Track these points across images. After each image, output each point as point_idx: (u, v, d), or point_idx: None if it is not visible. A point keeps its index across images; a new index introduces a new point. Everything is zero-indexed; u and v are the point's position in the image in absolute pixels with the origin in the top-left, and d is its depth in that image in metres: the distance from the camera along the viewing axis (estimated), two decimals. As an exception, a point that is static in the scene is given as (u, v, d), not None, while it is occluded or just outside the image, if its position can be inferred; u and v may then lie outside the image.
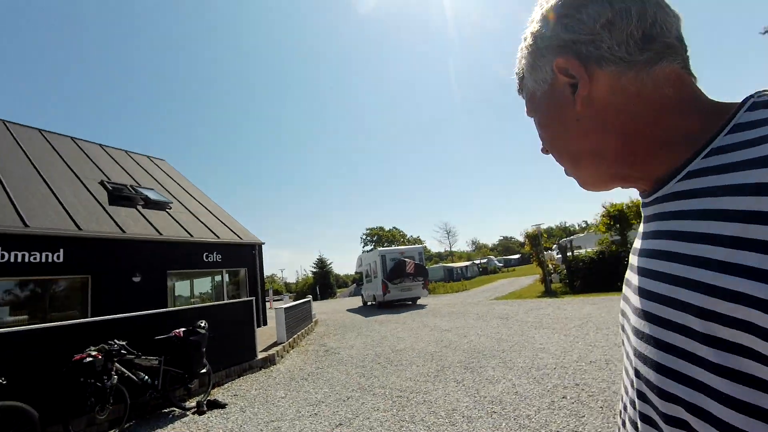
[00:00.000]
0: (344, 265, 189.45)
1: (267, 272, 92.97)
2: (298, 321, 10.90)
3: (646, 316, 0.43)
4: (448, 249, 75.66)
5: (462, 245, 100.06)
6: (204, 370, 5.81)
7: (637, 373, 0.44)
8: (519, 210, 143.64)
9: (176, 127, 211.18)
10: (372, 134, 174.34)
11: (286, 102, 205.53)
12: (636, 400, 0.46)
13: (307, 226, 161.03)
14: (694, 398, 0.37)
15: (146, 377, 5.11)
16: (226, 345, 7.03)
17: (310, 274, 55.23)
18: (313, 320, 13.80)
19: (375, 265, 18.69)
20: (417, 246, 20.00)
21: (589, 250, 16.39)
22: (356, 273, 28.70)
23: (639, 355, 0.44)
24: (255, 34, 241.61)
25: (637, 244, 0.50)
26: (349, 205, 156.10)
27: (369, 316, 14.86)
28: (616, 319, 7.91)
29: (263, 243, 15.49)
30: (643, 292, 0.45)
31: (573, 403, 3.96)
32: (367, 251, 34.40)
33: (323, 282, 49.57)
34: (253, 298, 8.14)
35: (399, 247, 19.84)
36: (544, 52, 0.51)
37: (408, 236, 67.75)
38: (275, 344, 8.95)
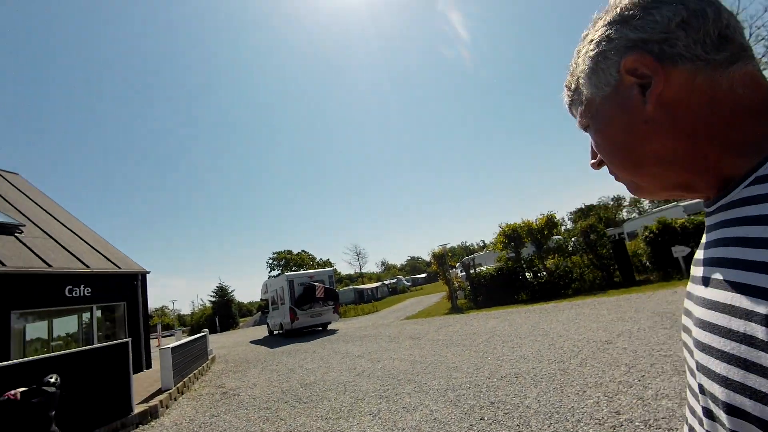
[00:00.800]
0: (248, 292, 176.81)
1: (156, 305, 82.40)
2: (189, 360, 9.46)
3: (708, 327, 0.41)
4: (359, 271, 75.63)
5: (372, 266, 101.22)
6: (52, 440, 4.50)
7: (702, 389, 0.43)
8: (424, 230, 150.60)
9: (37, 136, 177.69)
10: (278, 154, 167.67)
11: (181, 115, 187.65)
12: (704, 419, 0.44)
13: (205, 251, 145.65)
14: (763, 413, 0.34)
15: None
16: (90, 402, 5.66)
17: (209, 304, 49.97)
18: (210, 357, 12.21)
19: (282, 291, 17.56)
20: (327, 269, 19.41)
21: (489, 266, 17.56)
22: (261, 300, 26.73)
23: (703, 369, 0.42)
24: (145, 33, 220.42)
25: (699, 254, 0.49)
26: (254, 228, 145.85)
27: (275, 347, 13.71)
28: (517, 332, 8.35)
29: (148, 272, 13.46)
30: (705, 302, 0.43)
31: (491, 423, 3.85)
32: (274, 276, 32.50)
33: (224, 312, 45.20)
34: (129, 339, 6.76)
35: (308, 271, 18.98)
36: (608, 54, 0.50)
37: (317, 259, 66.10)
38: (159, 392, 7.56)
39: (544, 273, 14.96)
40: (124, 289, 12.48)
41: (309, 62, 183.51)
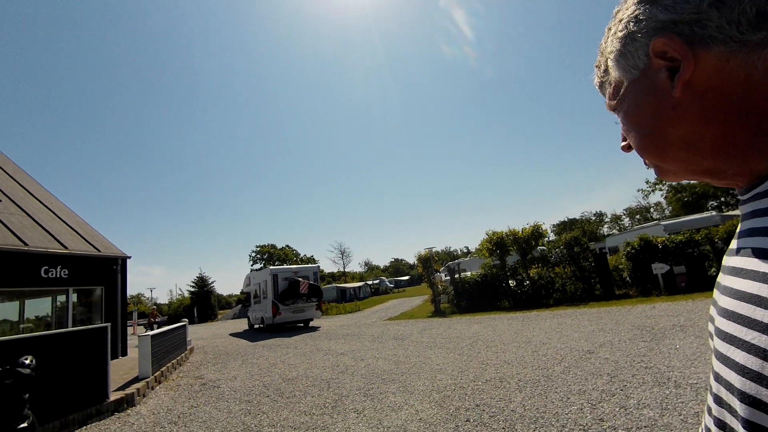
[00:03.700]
0: (229, 284, 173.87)
1: (132, 291, 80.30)
2: (168, 350, 9.27)
3: (731, 316, 0.41)
4: (342, 269, 75.35)
5: (355, 266, 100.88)
6: (25, 424, 4.34)
7: (717, 377, 0.43)
8: (409, 233, 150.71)
9: (19, 112, 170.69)
10: (266, 149, 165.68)
11: (173, 105, 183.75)
12: (712, 405, 0.45)
13: (187, 239, 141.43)
14: None
15: None
16: (65, 386, 5.49)
17: (187, 294, 48.98)
18: (188, 348, 11.98)
19: (265, 285, 17.37)
20: (312, 266, 19.28)
21: (473, 272, 17.72)
22: (242, 293, 26.42)
23: (720, 357, 0.42)
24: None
25: (732, 244, 0.49)
26: (238, 219, 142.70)
27: (256, 341, 13.55)
28: (501, 337, 8.45)
29: (129, 257, 13.14)
30: (730, 292, 0.43)
31: (477, 425, 3.89)
32: (257, 270, 32.05)
33: (203, 303, 44.37)
34: (108, 324, 6.59)
35: (292, 267, 18.82)
36: (636, 36, 0.48)
37: (302, 255, 65.57)
38: (136, 380, 7.39)
39: (528, 282, 15.17)
40: (102, 273, 12.15)
41: (307, 60, 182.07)
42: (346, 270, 75.86)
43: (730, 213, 21.42)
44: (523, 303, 14.52)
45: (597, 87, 0.60)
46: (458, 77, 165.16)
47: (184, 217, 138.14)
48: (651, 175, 13.51)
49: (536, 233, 15.99)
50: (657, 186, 13.88)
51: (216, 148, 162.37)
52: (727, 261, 0.47)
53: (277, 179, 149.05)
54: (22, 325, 11.68)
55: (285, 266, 21.72)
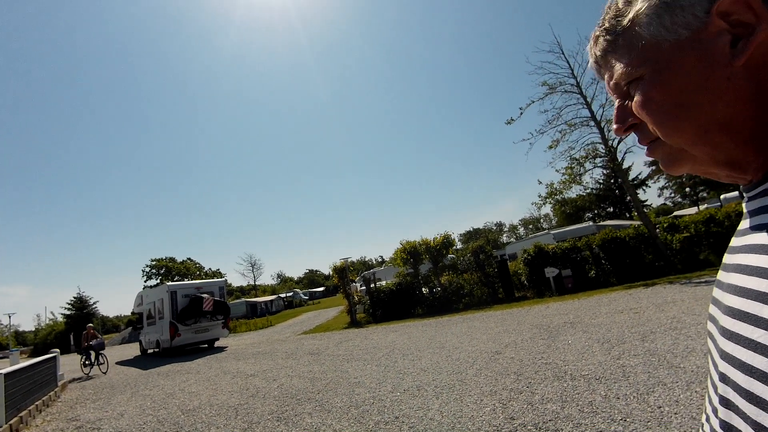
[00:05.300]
0: (116, 304, 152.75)
1: (-18, 320, 65.70)
2: (31, 389, 7.64)
3: (738, 314, 0.40)
4: (252, 283, 71.12)
5: (267, 279, 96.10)
6: None
7: (724, 378, 0.41)
8: (323, 244, 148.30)
9: None
10: (163, 150, 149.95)
11: (36, 97, 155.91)
12: (719, 407, 0.43)
13: (62, 253, 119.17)
14: None
15: None
16: None
17: (61, 319, 41.58)
18: (60, 384, 10.06)
19: (161, 304, 15.51)
20: (217, 280, 17.78)
21: (389, 281, 18.03)
22: (134, 314, 23.29)
23: (727, 358, 0.41)
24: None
25: (735, 242, 0.47)
26: (128, 229, 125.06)
27: (149, 368, 11.94)
28: (416, 344, 8.61)
29: (-22, 277, 10.65)
30: (735, 290, 0.41)
31: (396, 439, 3.81)
32: (151, 287, 28.61)
33: (82, 328, 38.14)
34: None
35: (195, 282, 17.15)
36: None
37: (206, 269, 60.32)
38: (-19, 431, 5.91)
39: (439, 288, 15.89)
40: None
41: (213, 59, 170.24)
42: (257, 283, 71.94)
43: (604, 223, 25.15)
44: (436, 309, 15.14)
45: (596, 54, 0.52)
46: (370, 88, 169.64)
47: (58, 226, 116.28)
48: (543, 189, 15.14)
49: (446, 242, 16.87)
50: (547, 200, 15.66)
51: (101, 147, 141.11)
52: (731, 258, 0.45)
53: (179, 186, 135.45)
54: None
55: (186, 282, 19.73)
